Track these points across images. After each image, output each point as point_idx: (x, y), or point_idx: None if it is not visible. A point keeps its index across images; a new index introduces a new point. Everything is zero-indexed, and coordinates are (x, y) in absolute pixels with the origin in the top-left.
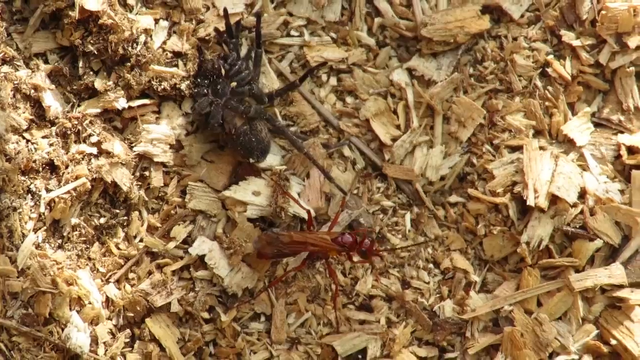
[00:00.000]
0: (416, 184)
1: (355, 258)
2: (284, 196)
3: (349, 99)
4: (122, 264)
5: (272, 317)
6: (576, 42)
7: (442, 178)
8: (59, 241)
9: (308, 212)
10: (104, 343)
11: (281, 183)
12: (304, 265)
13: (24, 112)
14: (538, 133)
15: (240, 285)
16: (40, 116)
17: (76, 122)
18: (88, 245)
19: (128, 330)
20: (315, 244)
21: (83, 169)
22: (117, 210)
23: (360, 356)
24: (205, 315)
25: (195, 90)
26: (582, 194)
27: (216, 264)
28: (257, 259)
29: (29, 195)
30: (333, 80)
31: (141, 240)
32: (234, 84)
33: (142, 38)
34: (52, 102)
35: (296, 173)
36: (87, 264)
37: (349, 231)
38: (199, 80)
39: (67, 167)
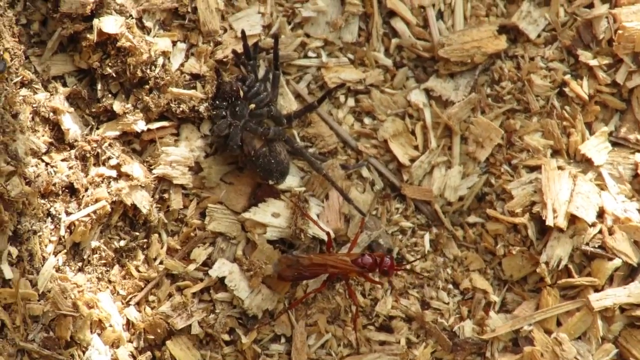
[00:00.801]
0: (435, 205)
1: (376, 277)
2: (304, 218)
3: (366, 120)
4: (142, 286)
5: (293, 339)
6: (593, 62)
7: (461, 198)
8: (79, 264)
9: (328, 233)
10: None
11: (300, 205)
12: (324, 287)
13: (43, 135)
14: (556, 153)
15: (261, 307)
16: (59, 139)
17: (95, 145)
18: (108, 268)
19: (149, 353)
20: (335, 266)
21: (103, 192)
22: (137, 233)
23: None
24: (226, 337)
25: (214, 112)
26: (601, 214)
27: (236, 286)
28: (277, 282)
29: (49, 218)
30: (351, 101)
31: (161, 263)
32: (252, 105)
33: (160, 60)
34: (71, 124)
35: (315, 194)
36: (107, 287)
37: (368, 252)
38: (217, 102)
39: (86, 190)
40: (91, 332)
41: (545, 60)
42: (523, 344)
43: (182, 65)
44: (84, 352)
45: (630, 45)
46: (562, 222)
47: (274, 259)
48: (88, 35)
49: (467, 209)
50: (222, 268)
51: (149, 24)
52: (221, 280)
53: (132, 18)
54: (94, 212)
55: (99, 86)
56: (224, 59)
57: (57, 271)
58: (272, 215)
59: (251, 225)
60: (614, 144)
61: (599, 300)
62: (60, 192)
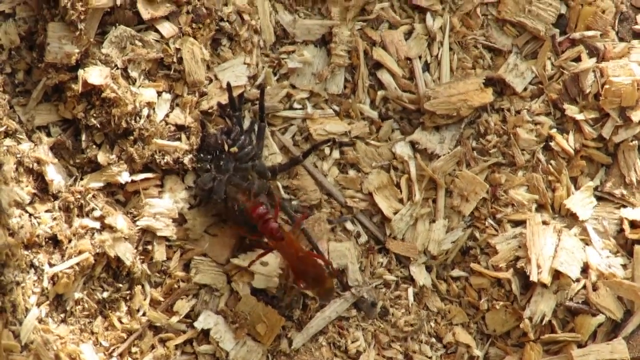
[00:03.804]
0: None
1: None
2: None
3: (351, 172)
4: (125, 338)
5: None
6: (579, 116)
7: (445, 252)
8: (62, 315)
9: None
10: None
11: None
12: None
13: (26, 186)
14: (541, 207)
15: (246, 358)
16: (43, 190)
17: (79, 196)
18: (91, 320)
19: None
20: None
21: (86, 243)
22: (120, 285)
23: None
24: None
25: (198, 165)
26: (585, 269)
27: (222, 338)
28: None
29: (32, 269)
30: (336, 154)
31: (144, 314)
32: (234, 149)
33: (145, 111)
34: (54, 175)
35: None
36: (90, 338)
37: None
38: (201, 155)
39: (70, 241)
40: None
41: (532, 113)
42: None
43: (167, 116)
44: None
45: (616, 99)
46: (546, 278)
47: (258, 311)
48: (73, 86)
49: (451, 263)
50: (208, 320)
51: (134, 74)
52: (205, 332)
53: (117, 68)
54: (78, 263)
55: (83, 137)
56: (209, 110)
57: (39, 322)
58: (260, 264)
59: (239, 273)
60: (599, 199)
61: (582, 356)
62: (43, 243)
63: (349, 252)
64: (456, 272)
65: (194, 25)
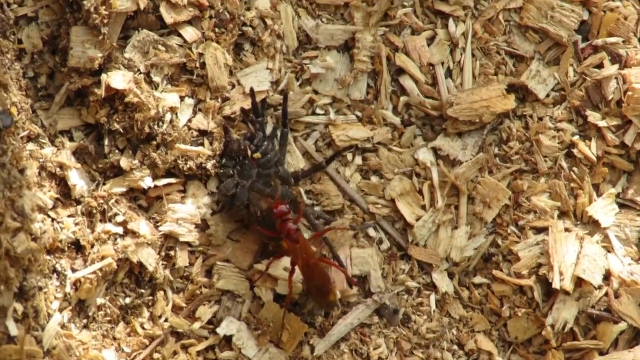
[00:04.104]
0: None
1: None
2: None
3: (374, 178)
4: (147, 344)
5: None
6: (602, 123)
7: (467, 259)
8: (85, 321)
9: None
10: None
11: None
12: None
13: (49, 191)
14: (563, 214)
15: None
16: (66, 195)
17: (102, 201)
18: (113, 325)
19: None
20: None
21: (109, 249)
22: (142, 290)
23: None
24: None
25: (221, 170)
26: (607, 276)
27: (244, 344)
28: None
29: (55, 274)
30: (358, 160)
31: (166, 320)
32: (257, 154)
33: (168, 116)
34: (77, 180)
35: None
36: (112, 344)
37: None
38: (224, 160)
39: (92, 246)
40: None
41: (554, 120)
42: None
43: (189, 121)
44: None
45: (639, 106)
46: (569, 285)
47: (280, 317)
48: (96, 90)
49: (473, 270)
50: (230, 326)
51: (156, 78)
52: (227, 338)
53: (140, 73)
54: (100, 269)
55: (106, 141)
56: (232, 115)
57: (62, 328)
58: (283, 269)
59: (262, 278)
60: (621, 206)
61: None
62: (66, 248)
63: (371, 259)
64: (478, 279)
65: (216, 30)
